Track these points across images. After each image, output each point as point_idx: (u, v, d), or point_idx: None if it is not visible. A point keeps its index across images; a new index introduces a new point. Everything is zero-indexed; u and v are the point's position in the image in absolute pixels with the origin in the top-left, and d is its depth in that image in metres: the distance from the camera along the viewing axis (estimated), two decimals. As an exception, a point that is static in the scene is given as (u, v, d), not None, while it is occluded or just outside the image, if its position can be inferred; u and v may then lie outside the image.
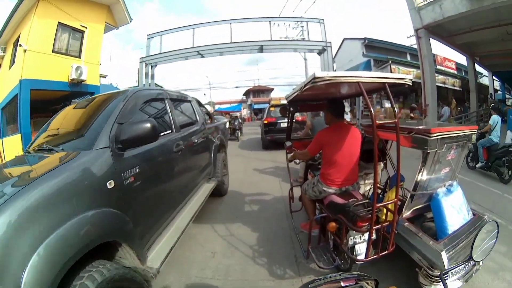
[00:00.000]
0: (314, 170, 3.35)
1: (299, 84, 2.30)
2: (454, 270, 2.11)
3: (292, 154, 3.22)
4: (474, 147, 6.33)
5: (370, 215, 2.10)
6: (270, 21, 13.94)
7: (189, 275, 2.63)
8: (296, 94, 2.58)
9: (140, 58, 14.45)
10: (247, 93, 45.00)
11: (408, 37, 19.32)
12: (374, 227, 2.10)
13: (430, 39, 10.56)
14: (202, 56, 14.18)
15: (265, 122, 10.00)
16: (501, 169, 5.74)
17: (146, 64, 14.19)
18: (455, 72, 17.31)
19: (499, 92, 21.05)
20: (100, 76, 21.24)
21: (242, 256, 2.97)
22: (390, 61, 15.41)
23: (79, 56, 9.83)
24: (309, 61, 22.65)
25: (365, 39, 17.65)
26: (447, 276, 2.08)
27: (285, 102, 3.77)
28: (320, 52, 13.87)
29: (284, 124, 8.42)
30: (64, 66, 9.20)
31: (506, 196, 4.81)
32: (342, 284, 1.06)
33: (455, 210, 2.42)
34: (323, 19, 13.58)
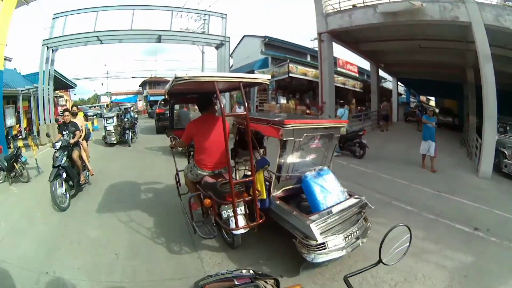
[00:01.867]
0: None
1: (172, 80, 2.65)
2: (332, 241, 2.52)
3: (174, 142, 3.79)
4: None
5: (237, 192, 2.66)
6: (172, 11, 13.74)
7: (99, 280, 2.73)
8: (167, 89, 3.07)
9: (43, 40, 12.92)
10: (143, 84, 43.46)
11: (312, 40, 21.11)
12: (236, 201, 2.61)
13: (333, 43, 11.24)
14: (101, 42, 13.47)
15: (157, 112, 14.51)
16: (353, 148, 8.11)
17: (48, 48, 12.74)
18: (357, 75, 19.87)
19: (403, 95, 25.26)
20: (4, 59, 17.10)
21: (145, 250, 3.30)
22: (288, 60, 16.11)
23: None
24: (207, 55, 22.06)
25: (265, 37, 18.44)
26: (325, 244, 2.47)
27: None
28: (218, 47, 14.01)
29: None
30: None
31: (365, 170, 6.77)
32: (236, 282, 1.03)
33: (326, 190, 2.86)
34: (226, 14, 13.83)
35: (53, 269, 2.89)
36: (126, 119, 11.48)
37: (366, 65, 18.31)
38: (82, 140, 5.82)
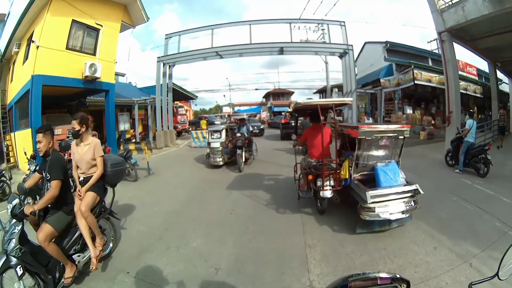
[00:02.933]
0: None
1: (293, 104, 5.47)
2: (380, 208, 3.82)
3: (295, 142, 5.88)
4: (453, 148, 8.06)
5: (327, 171, 4.41)
6: (290, 23, 14.07)
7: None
8: (292, 109, 5.99)
9: (158, 57, 14.73)
10: (267, 96, 47.27)
11: (428, 42, 19.05)
12: (325, 177, 4.34)
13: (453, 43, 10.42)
14: (221, 57, 14.68)
15: (283, 121, 16.74)
16: (478, 165, 7.24)
17: (164, 64, 14.63)
18: (476, 78, 17.28)
19: None
20: (117, 75, 22.04)
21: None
22: (412, 66, 15.17)
23: (94, 54, 10.27)
24: (330, 64, 22.15)
25: (386, 42, 17.85)
26: (373, 207, 3.79)
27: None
28: (341, 56, 13.77)
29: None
30: (78, 63, 9.55)
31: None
32: (379, 282, 1.17)
33: (388, 176, 4.13)
34: (344, 22, 13.64)
35: (137, 270, 3.24)
36: (239, 133, 9.27)
37: (482, 66, 16.07)
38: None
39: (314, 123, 5.39)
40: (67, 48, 9.34)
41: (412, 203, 3.92)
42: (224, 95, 44.00)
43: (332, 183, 4.45)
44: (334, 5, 15.63)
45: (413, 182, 4.10)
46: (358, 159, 4.46)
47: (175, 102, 22.95)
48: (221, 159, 8.87)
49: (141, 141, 10.87)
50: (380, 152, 4.55)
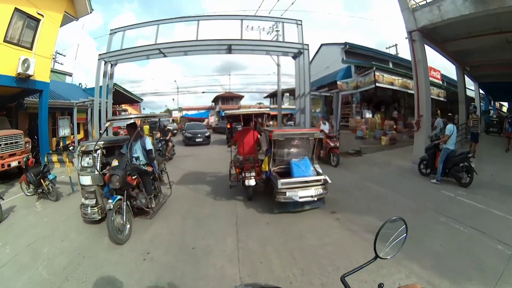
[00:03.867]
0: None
1: (228, 112, 8.23)
2: (290, 192, 5.21)
3: (229, 143, 7.60)
4: (428, 156, 7.84)
5: (250, 164, 6.12)
6: (242, 19, 12.96)
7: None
8: (226, 116, 10.04)
9: (99, 55, 13.58)
10: (216, 100, 48.62)
11: (387, 48, 19.27)
12: (247, 169, 6.01)
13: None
14: (165, 55, 13.66)
15: (228, 126, 16.64)
16: (460, 174, 6.97)
17: (106, 62, 13.34)
18: (441, 82, 18.88)
19: (481, 103, 22.96)
20: (64, 74, 20.60)
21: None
22: (374, 68, 15.49)
23: (31, 48, 9.87)
24: (283, 67, 22.13)
25: (345, 44, 18.84)
26: (284, 191, 5.21)
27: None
28: (295, 56, 13.41)
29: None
30: (14, 58, 9.02)
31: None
32: None
33: (300, 169, 5.60)
34: (301, 20, 13.16)
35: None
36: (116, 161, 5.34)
37: (446, 71, 17.96)
38: None
39: (244, 127, 7.34)
40: (4, 40, 8.88)
41: (321, 190, 5.50)
42: (173, 99, 42.84)
43: (253, 174, 6.23)
44: (292, 3, 15.00)
45: (322, 174, 5.68)
46: (275, 156, 6.22)
47: (120, 105, 22.53)
48: (95, 210, 5.05)
49: (63, 151, 9.30)
50: (295, 150, 6.24)
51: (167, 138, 12.24)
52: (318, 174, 5.75)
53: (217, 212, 5.87)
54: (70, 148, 11.63)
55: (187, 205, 6.30)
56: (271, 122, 23.18)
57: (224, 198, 6.74)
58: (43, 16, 9.84)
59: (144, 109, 37.89)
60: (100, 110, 13.12)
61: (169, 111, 50.37)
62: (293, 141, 6.12)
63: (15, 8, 8.87)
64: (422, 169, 8.12)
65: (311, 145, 6.16)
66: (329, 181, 5.41)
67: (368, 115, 17.54)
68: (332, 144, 9.99)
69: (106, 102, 13.30)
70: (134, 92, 24.63)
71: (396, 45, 24.91)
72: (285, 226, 5.00)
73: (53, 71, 19.55)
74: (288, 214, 5.50)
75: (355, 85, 16.56)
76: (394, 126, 15.89)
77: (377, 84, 14.98)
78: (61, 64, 22.60)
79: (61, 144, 13.31)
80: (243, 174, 6.25)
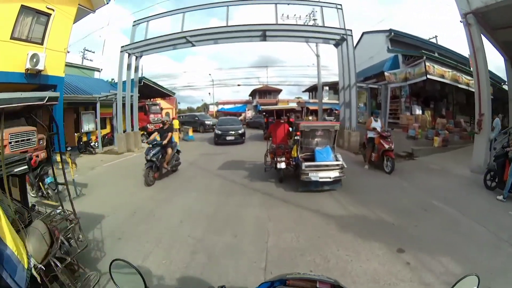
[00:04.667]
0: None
1: (264, 108, 11.68)
2: (312, 173, 6.26)
3: (265, 134, 10.77)
4: (497, 166, 6.37)
5: (281, 151, 7.52)
6: (276, 3, 12.11)
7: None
8: (263, 111, 12.47)
9: (121, 46, 13.67)
10: (253, 94, 47.26)
11: (430, 39, 16.36)
12: (279, 155, 7.26)
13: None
14: (193, 45, 12.90)
15: (265, 121, 16.72)
16: None
17: (130, 55, 12.57)
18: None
19: None
20: (92, 70, 20.32)
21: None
22: (424, 57, 13.99)
23: (42, 43, 9.58)
24: (322, 59, 20.32)
25: (390, 31, 17.22)
26: (307, 172, 6.24)
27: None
28: (337, 43, 11.93)
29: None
30: (23, 54, 8.82)
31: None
32: (318, 285, 1.20)
33: (323, 155, 6.50)
34: (340, 5, 11.68)
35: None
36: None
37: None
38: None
39: (277, 120, 9.14)
40: (11, 38, 8.75)
41: (338, 173, 6.45)
42: (209, 93, 42.05)
43: (283, 159, 7.62)
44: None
45: (340, 159, 6.47)
46: (302, 144, 7.43)
47: (150, 100, 22.77)
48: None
49: (66, 151, 8.07)
50: (319, 140, 7.34)
51: (165, 141, 7.91)
52: (337, 160, 6.98)
53: (254, 193, 6.91)
54: (68, 149, 9.51)
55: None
56: (310, 117, 22.44)
57: (259, 180, 8.16)
58: (53, 10, 9.73)
59: (179, 103, 38.46)
60: (124, 105, 13.32)
61: (205, 105, 50.66)
62: (317, 132, 7.60)
63: (22, 5, 8.89)
64: (487, 180, 6.79)
65: (332, 136, 7.47)
66: (345, 166, 6.62)
67: (418, 111, 15.98)
68: (386, 146, 8.30)
69: (132, 96, 13.83)
70: (169, 87, 24.53)
71: (436, 36, 21.68)
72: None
73: (81, 67, 20.29)
74: (339, 254, 3.95)
75: (404, 77, 15.25)
76: (447, 126, 14.40)
77: (428, 76, 13.55)
78: (91, 60, 23.56)
79: (83, 139, 12.81)
80: (275, 158, 7.69)
